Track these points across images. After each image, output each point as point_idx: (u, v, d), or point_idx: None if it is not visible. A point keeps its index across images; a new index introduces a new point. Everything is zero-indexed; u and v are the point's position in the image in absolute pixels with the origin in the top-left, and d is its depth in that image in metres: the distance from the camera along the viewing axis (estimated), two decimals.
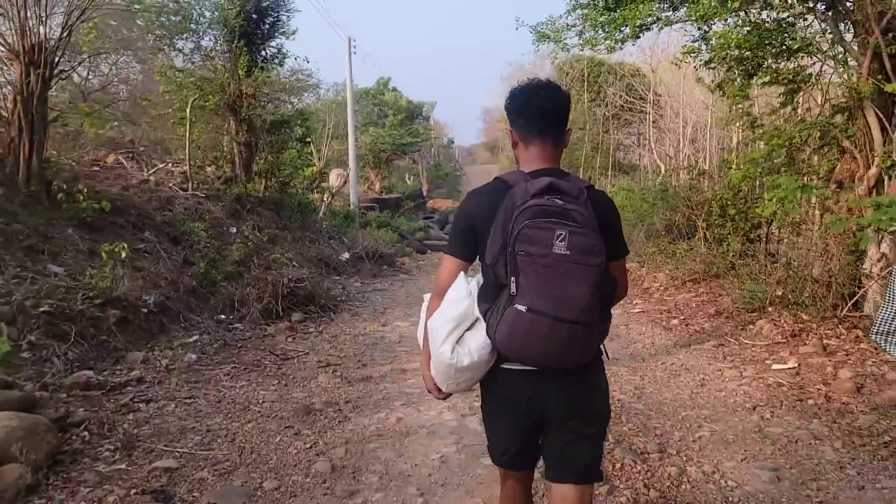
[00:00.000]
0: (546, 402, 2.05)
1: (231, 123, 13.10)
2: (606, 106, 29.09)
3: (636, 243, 11.95)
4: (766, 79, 8.09)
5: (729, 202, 9.84)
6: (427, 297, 2.25)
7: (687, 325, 7.48)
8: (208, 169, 13.52)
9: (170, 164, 13.17)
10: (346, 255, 13.52)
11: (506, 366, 2.05)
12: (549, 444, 2.14)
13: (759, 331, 6.76)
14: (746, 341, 6.54)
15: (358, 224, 20.85)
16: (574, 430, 2.08)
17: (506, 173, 2.15)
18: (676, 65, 10.23)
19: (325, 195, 18.92)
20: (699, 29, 9.17)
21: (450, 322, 2.04)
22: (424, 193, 32.38)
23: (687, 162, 21.50)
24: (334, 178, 20.95)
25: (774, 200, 7.29)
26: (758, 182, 9.65)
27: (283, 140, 14.03)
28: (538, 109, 2.10)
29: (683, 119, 22.59)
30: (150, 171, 11.86)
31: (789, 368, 5.62)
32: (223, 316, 7.61)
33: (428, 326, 2.13)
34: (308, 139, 15.65)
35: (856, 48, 7.08)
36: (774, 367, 5.72)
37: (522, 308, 1.85)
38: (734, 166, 10.21)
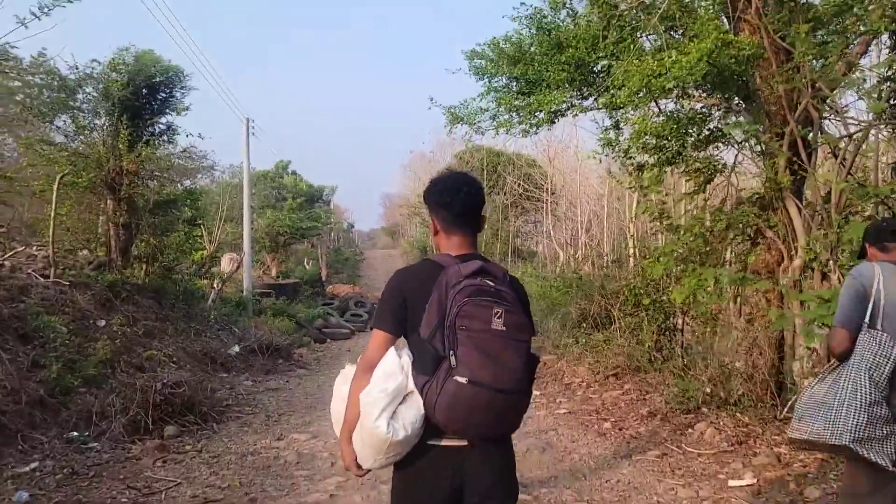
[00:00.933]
0: (468, 475, 2.08)
1: (108, 203, 11.67)
2: (505, 194, 29.49)
3: (551, 333, 11.35)
4: (683, 168, 7.86)
5: (642, 291, 9.45)
6: (348, 369, 2.25)
7: (621, 430, 6.72)
8: (80, 253, 11.93)
9: (34, 248, 11.51)
10: (237, 349, 12.11)
11: (431, 441, 2.08)
12: None
13: (699, 436, 6.11)
14: (690, 449, 5.85)
15: (251, 311, 19.31)
16: (493, 501, 2.13)
17: (435, 255, 2.27)
18: (595, 157, 9.95)
19: (216, 281, 17.42)
20: (610, 118, 9.00)
21: (386, 396, 2.02)
22: (324, 278, 31.05)
23: (584, 250, 21.73)
24: (227, 262, 19.49)
25: (687, 287, 6.86)
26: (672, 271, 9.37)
27: (168, 221, 12.66)
28: (462, 205, 2.22)
29: (581, 208, 22.89)
30: (6, 255, 10.20)
31: (748, 485, 4.92)
32: (76, 433, 6.14)
33: (361, 401, 2.08)
34: (198, 221, 14.32)
35: (770, 140, 6.90)
36: (731, 482, 5.00)
37: (463, 380, 1.93)
38: (648, 257, 9.91)
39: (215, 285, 17.31)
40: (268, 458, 5.97)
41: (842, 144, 6.45)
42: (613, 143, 8.47)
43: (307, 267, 31.47)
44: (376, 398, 2.03)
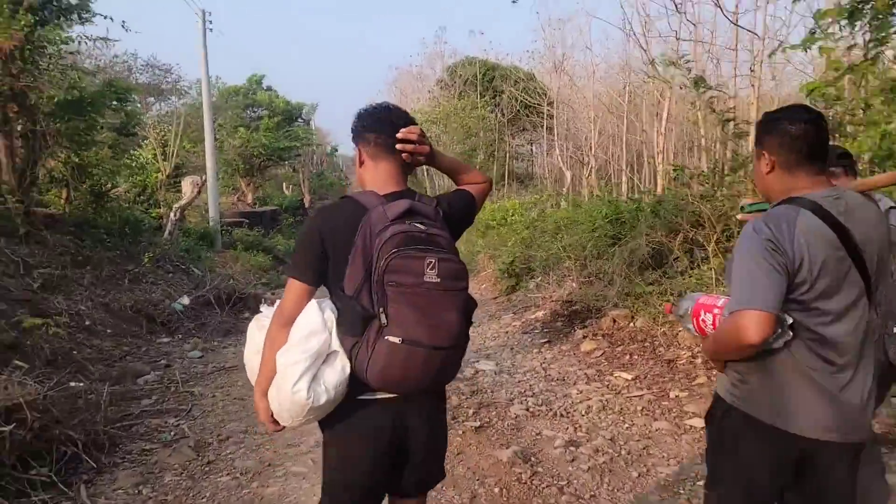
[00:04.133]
0: (408, 427, 1.89)
1: None
2: (502, 111, 25.95)
3: (612, 277, 8.07)
4: None
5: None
6: (265, 312, 1.96)
7: None
8: None
9: None
10: (186, 301, 8.70)
11: (364, 396, 1.84)
12: (408, 470, 1.97)
13: None
14: None
15: (220, 244, 15.84)
16: (433, 452, 2.02)
17: (357, 193, 1.92)
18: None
19: (173, 210, 13.85)
20: None
21: (307, 358, 1.76)
22: (307, 205, 27.41)
23: (593, 165, 18.36)
24: (188, 187, 15.80)
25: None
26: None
27: (84, 130, 8.93)
28: (392, 125, 1.95)
29: (590, 124, 19.18)
30: None
31: None
32: None
33: (278, 362, 1.80)
34: (132, 129, 10.53)
35: None
36: None
37: (396, 340, 1.71)
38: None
39: (173, 215, 13.76)
40: None
41: None
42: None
43: (287, 193, 27.76)
44: (296, 360, 1.75)
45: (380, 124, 1.95)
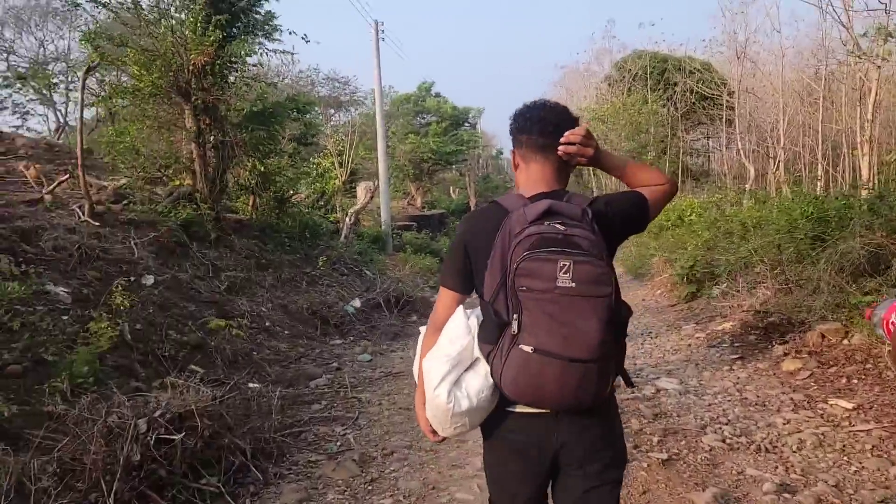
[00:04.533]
0: (560, 445, 1.74)
1: (187, 116, 8.62)
2: (675, 105, 24.30)
3: (818, 285, 6.96)
4: None
5: None
6: (423, 329, 1.94)
7: None
8: (169, 185, 9.11)
9: (107, 179, 8.84)
10: (357, 304, 8.86)
11: (512, 409, 1.75)
12: (563, 493, 1.81)
13: None
14: None
15: (391, 247, 16.26)
16: (592, 476, 1.76)
17: (503, 196, 1.85)
18: None
19: (348, 214, 14.41)
20: None
21: (446, 362, 1.73)
22: (472, 208, 27.68)
23: (781, 158, 16.39)
24: (362, 192, 16.41)
25: None
26: None
27: (266, 140, 9.42)
28: (541, 122, 1.84)
29: (784, 105, 17.11)
30: (50, 188, 7.47)
31: None
32: None
33: (422, 366, 1.80)
34: (309, 140, 11.00)
35: None
36: None
37: (528, 349, 1.58)
38: None
39: (348, 219, 14.32)
40: None
41: None
42: None
43: (454, 196, 28.14)
44: (436, 364, 1.74)
45: (530, 124, 1.84)
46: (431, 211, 23.12)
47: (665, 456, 3.86)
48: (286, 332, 7.23)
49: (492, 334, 1.67)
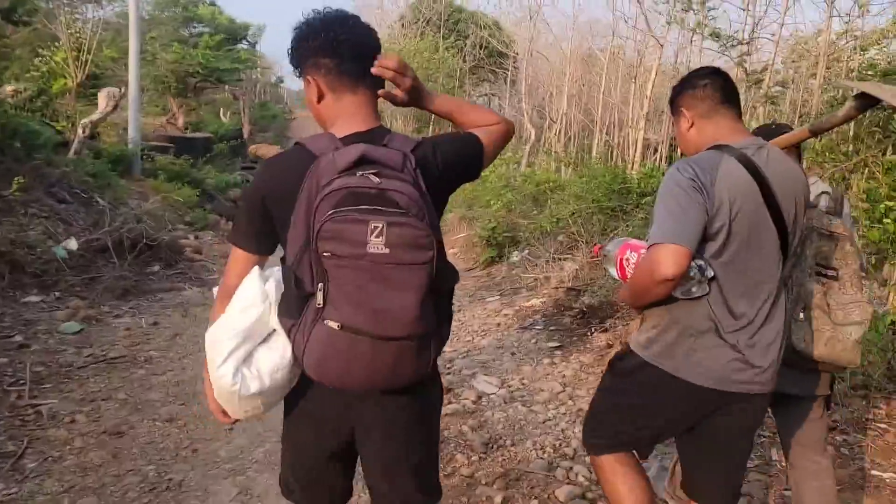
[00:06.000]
0: (357, 425, 1.53)
1: None
2: (464, 57, 23.88)
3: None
4: None
5: None
6: (215, 291, 1.58)
7: None
8: None
9: None
10: (73, 245, 6.39)
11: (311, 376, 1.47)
12: (367, 477, 1.64)
13: None
14: None
15: (139, 171, 13.25)
16: (400, 465, 1.56)
17: (311, 137, 1.47)
18: None
19: (81, 126, 11.20)
20: None
21: (234, 336, 1.42)
22: (245, 136, 24.46)
23: (559, 125, 16.67)
24: (104, 100, 13.02)
25: None
26: None
27: None
28: (352, 41, 1.46)
29: (571, 73, 17.23)
30: None
31: None
32: None
33: (206, 340, 1.48)
34: (22, 16, 7.80)
35: None
36: None
37: (334, 325, 1.32)
38: None
39: (81, 131, 11.13)
40: None
41: None
42: None
43: (225, 119, 24.69)
44: (222, 337, 1.43)
45: (337, 45, 1.45)
46: (195, 134, 19.78)
47: None
48: None
49: (293, 306, 1.39)
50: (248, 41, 28.31)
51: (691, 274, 1.65)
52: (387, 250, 1.27)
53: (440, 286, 1.38)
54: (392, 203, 1.29)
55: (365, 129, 1.46)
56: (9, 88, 9.60)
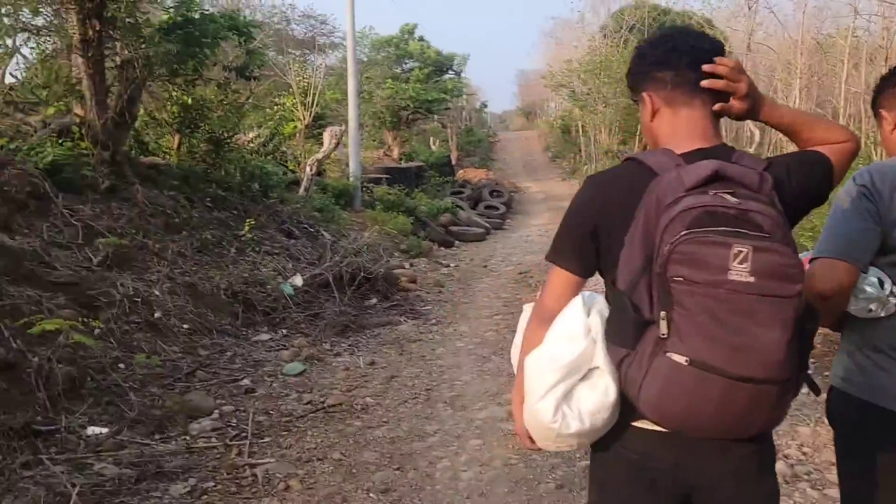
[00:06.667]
0: (698, 477, 1.30)
1: (75, 21, 6.15)
2: None
3: None
4: None
5: None
6: (526, 310, 1.48)
7: None
8: (49, 111, 6.70)
9: None
10: (298, 281, 6.64)
11: (639, 424, 1.30)
12: None
13: None
14: None
15: (359, 203, 13.95)
16: None
17: (644, 152, 1.35)
18: None
19: (309, 165, 12.06)
20: None
21: (556, 370, 1.29)
22: (453, 162, 25.21)
23: None
24: (328, 138, 13.98)
25: None
26: None
27: (188, 60, 6.98)
28: (692, 51, 1.32)
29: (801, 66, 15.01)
30: None
31: None
32: None
33: (525, 365, 1.37)
34: (253, 71, 8.49)
35: None
36: None
37: (681, 360, 1.14)
38: None
39: (308, 170, 11.98)
40: None
41: None
42: None
43: (434, 148, 25.66)
44: (543, 370, 1.32)
45: (677, 56, 1.33)
46: (408, 163, 20.69)
47: None
48: (185, 325, 5.04)
49: (626, 334, 1.23)
50: (454, 71, 29.25)
51: (869, 290, 1.46)
52: (752, 279, 1.13)
53: (804, 325, 1.20)
54: (755, 226, 1.15)
55: (709, 145, 1.32)
56: (247, 136, 10.55)
